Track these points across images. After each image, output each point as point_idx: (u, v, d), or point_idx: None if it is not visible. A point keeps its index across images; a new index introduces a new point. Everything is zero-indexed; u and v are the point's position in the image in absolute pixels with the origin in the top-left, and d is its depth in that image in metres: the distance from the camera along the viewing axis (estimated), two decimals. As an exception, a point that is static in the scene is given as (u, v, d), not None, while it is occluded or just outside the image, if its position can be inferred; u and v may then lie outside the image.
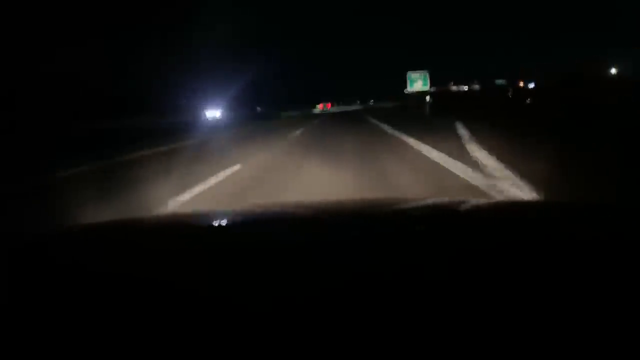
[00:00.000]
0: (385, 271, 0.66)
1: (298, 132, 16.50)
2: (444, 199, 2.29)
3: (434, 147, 7.22)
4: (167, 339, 0.48)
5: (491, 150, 6.25)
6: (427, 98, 38.67)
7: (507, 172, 4.72)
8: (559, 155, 5.24)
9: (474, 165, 5.40)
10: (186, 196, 4.81)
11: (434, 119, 18.86)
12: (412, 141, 8.81)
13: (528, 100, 25.87)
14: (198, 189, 5.22)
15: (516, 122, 11.42)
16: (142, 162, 9.11)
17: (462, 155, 6.14)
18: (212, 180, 5.77)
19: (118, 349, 0.47)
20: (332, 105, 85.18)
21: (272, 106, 55.40)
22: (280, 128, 20.85)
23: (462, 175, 4.88)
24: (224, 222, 1.16)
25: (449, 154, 6.30)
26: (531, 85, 56.43)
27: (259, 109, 48.29)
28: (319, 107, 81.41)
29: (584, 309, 0.51)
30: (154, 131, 17.64)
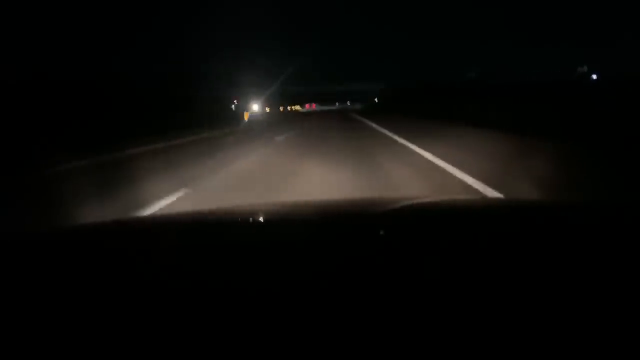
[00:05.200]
0: (383, 270, 0.66)
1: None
2: (442, 197, 2.26)
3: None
4: (163, 339, 0.48)
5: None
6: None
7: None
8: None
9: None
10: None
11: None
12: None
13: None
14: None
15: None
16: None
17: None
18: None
19: (115, 349, 0.47)
20: (315, 106, 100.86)
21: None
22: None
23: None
24: (220, 222, 1.14)
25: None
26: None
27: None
28: (305, 107, 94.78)
29: (583, 309, 0.50)
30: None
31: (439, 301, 0.53)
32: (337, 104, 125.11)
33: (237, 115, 33.19)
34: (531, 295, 0.54)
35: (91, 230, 1.11)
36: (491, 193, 4.03)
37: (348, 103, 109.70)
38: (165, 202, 4.30)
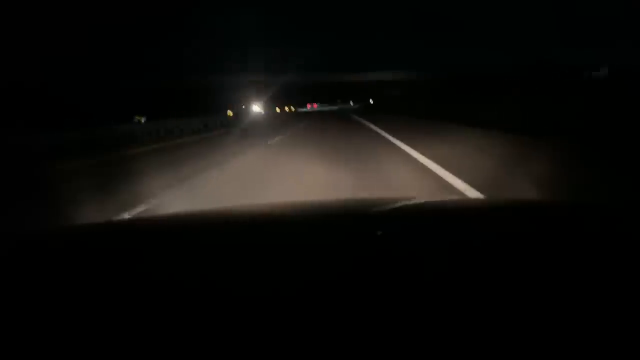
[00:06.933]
0: (381, 270, 0.66)
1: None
2: (441, 197, 2.30)
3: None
4: (163, 340, 0.48)
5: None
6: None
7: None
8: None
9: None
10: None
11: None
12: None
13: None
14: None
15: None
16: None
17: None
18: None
19: (114, 349, 0.47)
20: (317, 106, 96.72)
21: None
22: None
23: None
24: (219, 223, 1.15)
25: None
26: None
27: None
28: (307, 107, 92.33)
29: (582, 309, 0.51)
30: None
31: (438, 302, 0.54)
32: (351, 102, 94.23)
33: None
34: (530, 296, 0.55)
35: (91, 230, 1.12)
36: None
37: (370, 101, 70.66)
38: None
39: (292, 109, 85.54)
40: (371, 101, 68.38)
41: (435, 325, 0.48)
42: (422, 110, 21.33)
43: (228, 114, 35.49)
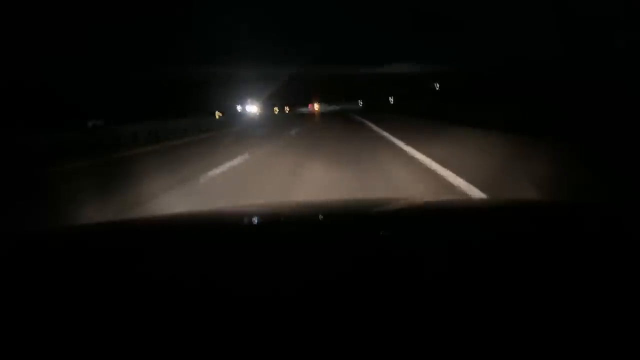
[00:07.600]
0: (380, 270, 0.66)
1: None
2: (442, 198, 2.33)
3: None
4: (162, 338, 0.48)
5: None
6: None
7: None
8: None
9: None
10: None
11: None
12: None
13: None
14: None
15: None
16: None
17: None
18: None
19: (114, 349, 0.47)
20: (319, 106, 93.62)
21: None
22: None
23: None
24: (220, 223, 1.14)
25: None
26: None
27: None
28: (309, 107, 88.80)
29: (582, 309, 0.51)
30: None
31: (438, 301, 0.54)
32: (360, 102, 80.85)
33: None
34: (530, 295, 0.54)
35: (91, 230, 1.12)
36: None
37: (390, 100, 54.51)
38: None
39: (287, 109, 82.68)
40: (391, 100, 58.95)
41: (435, 325, 0.48)
42: (423, 111, 21.96)
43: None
